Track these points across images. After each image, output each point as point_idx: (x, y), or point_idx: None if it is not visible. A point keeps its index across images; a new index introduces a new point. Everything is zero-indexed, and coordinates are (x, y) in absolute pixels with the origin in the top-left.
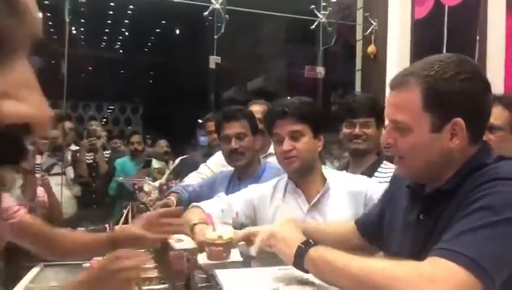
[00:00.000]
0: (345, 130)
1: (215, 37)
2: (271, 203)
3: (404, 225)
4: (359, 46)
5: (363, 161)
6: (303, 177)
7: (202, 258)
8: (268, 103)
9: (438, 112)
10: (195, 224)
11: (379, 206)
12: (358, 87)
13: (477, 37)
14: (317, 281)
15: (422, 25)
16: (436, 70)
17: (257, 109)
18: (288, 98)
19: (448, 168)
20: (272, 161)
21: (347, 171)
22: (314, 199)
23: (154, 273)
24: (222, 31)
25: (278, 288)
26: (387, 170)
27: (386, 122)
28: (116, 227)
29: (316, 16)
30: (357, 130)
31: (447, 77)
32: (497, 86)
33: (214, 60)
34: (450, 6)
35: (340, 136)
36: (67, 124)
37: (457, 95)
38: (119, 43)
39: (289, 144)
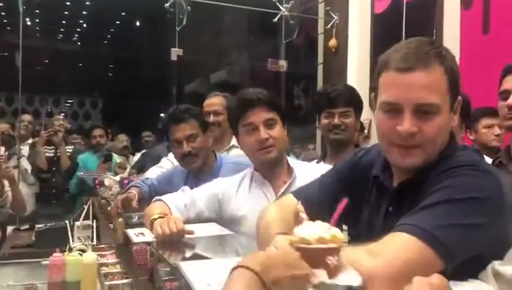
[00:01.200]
0: (324, 121)
1: (177, 29)
2: (236, 197)
3: (371, 216)
4: (321, 39)
5: (342, 152)
6: (272, 168)
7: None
8: (227, 95)
9: (454, 90)
10: (154, 219)
11: (332, 189)
12: (320, 81)
13: (434, 31)
14: None
15: (382, 19)
16: (442, 50)
17: (215, 101)
18: (251, 89)
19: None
20: (235, 153)
21: (324, 163)
22: (281, 190)
23: (116, 269)
24: (184, 22)
25: None
26: None
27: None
28: (77, 223)
29: (278, 8)
30: (336, 120)
31: (452, 55)
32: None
33: (175, 52)
34: (408, 1)
35: (318, 127)
36: (27, 117)
37: (458, 72)
38: (76, 35)
39: (265, 133)
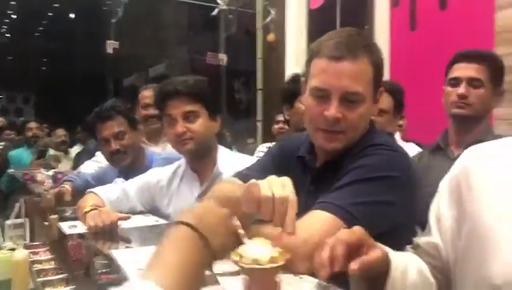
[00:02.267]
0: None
1: (112, 21)
2: (167, 190)
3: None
4: (259, 34)
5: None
6: (198, 161)
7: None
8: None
9: (377, 82)
10: (87, 212)
11: (268, 170)
12: (260, 75)
13: (366, 27)
14: None
15: (317, 15)
16: (370, 42)
17: (147, 94)
18: (177, 78)
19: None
20: None
21: None
22: (206, 184)
23: (50, 265)
24: (120, 15)
25: None
26: None
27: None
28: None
29: (216, 2)
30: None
31: (379, 49)
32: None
33: (111, 45)
34: None
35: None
36: None
37: (383, 65)
38: (5, 27)
39: (182, 126)
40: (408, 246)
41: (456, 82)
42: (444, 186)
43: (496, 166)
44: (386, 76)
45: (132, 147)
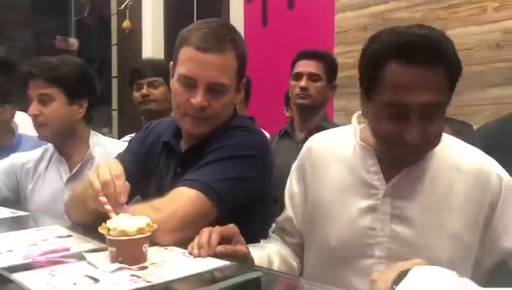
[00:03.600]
0: (135, 94)
1: None
2: (34, 174)
3: (161, 179)
4: (114, 20)
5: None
6: (63, 145)
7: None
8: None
9: (241, 73)
10: None
11: (127, 162)
12: (114, 62)
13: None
14: None
15: (174, 6)
16: (236, 35)
17: None
18: (46, 57)
19: None
20: None
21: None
22: (75, 168)
23: None
24: None
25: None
26: None
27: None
28: None
29: None
30: (144, 91)
31: (243, 41)
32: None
33: None
34: None
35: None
36: None
37: (247, 57)
38: None
39: (36, 108)
40: (270, 231)
41: (299, 76)
42: (294, 168)
43: (333, 149)
44: None
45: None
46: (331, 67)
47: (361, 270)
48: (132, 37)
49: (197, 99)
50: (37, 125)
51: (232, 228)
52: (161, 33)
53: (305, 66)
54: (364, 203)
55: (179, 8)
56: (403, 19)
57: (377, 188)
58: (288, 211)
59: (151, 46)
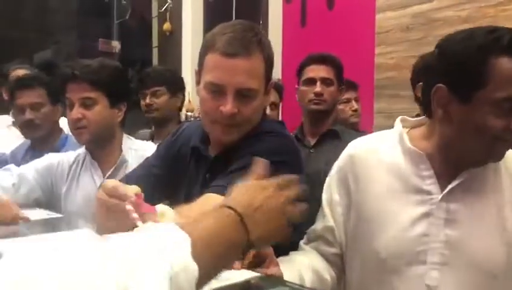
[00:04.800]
0: (141, 102)
1: None
2: (68, 176)
3: (190, 185)
4: (155, 22)
5: (164, 130)
6: (98, 149)
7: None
8: (29, 66)
9: (269, 75)
10: None
11: (155, 168)
12: (155, 64)
13: (261, 22)
14: None
15: (213, 6)
16: (262, 37)
17: (21, 73)
18: (83, 60)
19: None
20: None
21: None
22: (108, 172)
23: None
24: None
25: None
26: None
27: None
28: None
29: None
30: (147, 100)
31: (269, 41)
32: (275, 69)
33: None
34: None
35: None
36: None
37: (273, 58)
38: None
39: (78, 112)
40: (301, 242)
41: (311, 82)
42: (334, 176)
43: (374, 159)
44: (278, 72)
45: (47, 121)
46: (339, 70)
47: (412, 278)
48: (173, 39)
49: (227, 107)
50: (78, 128)
51: (269, 251)
52: (201, 35)
53: (317, 71)
54: (417, 210)
55: (219, 10)
56: (448, 18)
57: (431, 193)
58: (329, 220)
59: (191, 47)
